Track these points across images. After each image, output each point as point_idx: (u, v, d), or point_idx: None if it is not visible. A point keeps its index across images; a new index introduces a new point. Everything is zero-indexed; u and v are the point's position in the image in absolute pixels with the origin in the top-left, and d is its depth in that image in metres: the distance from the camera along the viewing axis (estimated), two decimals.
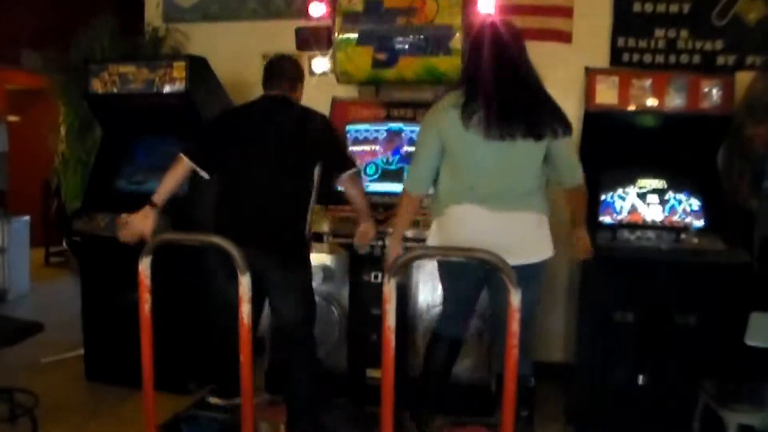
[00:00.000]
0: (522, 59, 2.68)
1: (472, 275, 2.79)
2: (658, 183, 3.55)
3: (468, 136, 2.61)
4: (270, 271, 2.88)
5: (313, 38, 3.96)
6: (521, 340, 2.23)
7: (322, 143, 3.02)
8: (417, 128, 3.64)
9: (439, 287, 3.10)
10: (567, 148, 2.74)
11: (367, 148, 3.76)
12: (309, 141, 2.97)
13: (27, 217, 6.47)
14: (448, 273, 2.91)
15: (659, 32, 4.05)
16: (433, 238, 2.80)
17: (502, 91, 2.60)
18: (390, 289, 2.09)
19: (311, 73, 4.05)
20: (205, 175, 3.03)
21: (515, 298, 2.04)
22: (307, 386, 3.10)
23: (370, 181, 3.68)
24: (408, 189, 2.88)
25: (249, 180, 2.95)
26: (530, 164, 2.68)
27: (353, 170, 3.06)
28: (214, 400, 3.38)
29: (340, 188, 3.16)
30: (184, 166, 2.98)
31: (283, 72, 3.10)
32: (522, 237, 2.69)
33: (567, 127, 2.69)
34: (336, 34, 3.83)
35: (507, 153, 2.61)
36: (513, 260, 2.42)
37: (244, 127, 3.01)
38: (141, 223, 2.93)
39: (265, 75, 3.11)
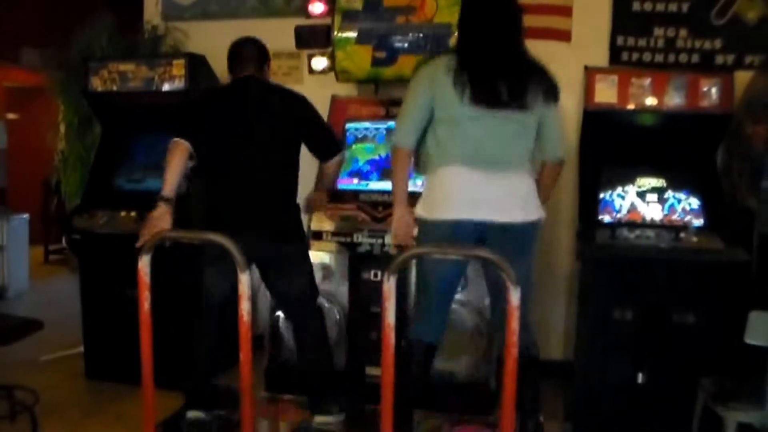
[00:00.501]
0: (516, 28, 2.69)
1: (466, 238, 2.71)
2: (657, 182, 3.55)
3: (458, 104, 2.61)
4: (268, 248, 2.90)
5: (312, 36, 3.96)
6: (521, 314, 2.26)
7: (310, 125, 3.10)
8: None
9: None
10: (552, 118, 2.74)
11: (366, 146, 3.76)
12: (294, 120, 3.03)
13: (26, 215, 6.47)
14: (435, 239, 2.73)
15: (658, 31, 4.05)
16: (423, 201, 2.77)
17: (492, 62, 2.62)
18: (390, 287, 2.09)
19: (311, 71, 4.06)
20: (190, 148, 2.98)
21: (514, 296, 2.04)
22: (325, 359, 3.18)
23: (370, 179, 3.68)
24: (398, 143, 2.79)
25: (238, 162, 2.97)
26: (522, 135, 2.69)
27: (342, 154, 3.20)
28: (193, 414, 3.21)
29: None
30: (181, 150, 2.94)
31: (248, 55, 3.12)
32: (513, 195, 2.67)
33: (554, 95, 2.69)
34: (335, 33, 3.83)
35: (498, 123, 2.62)
36: (505, 217, 2.47)
37: (229, 109, 3.03)
38: (159, 221, 2.89)
39: (233, 59, 3.13)
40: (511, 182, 2.66)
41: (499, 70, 2.63)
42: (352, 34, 3.80)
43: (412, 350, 2.85)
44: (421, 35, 3.67)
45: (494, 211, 2.60)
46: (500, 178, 2.64)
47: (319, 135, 3.14)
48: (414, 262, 2.90)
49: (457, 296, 3.16)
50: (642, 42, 4.07)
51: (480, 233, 2.66)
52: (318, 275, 3.52)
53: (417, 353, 2.85)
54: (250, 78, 3.10)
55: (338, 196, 3.55)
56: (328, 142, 3.19)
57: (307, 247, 3.18)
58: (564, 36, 4.15)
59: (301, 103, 3.12)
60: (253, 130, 2.98)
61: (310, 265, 3.21)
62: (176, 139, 2.96)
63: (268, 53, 3.23)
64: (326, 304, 3.56)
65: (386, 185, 3.57)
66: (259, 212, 2.91)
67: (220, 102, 3.10)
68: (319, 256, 3.56)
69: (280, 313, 3.57)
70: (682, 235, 3.28)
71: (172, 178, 2.93)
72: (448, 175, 2.67)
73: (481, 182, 2.63)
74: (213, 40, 4.57)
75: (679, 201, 3.49)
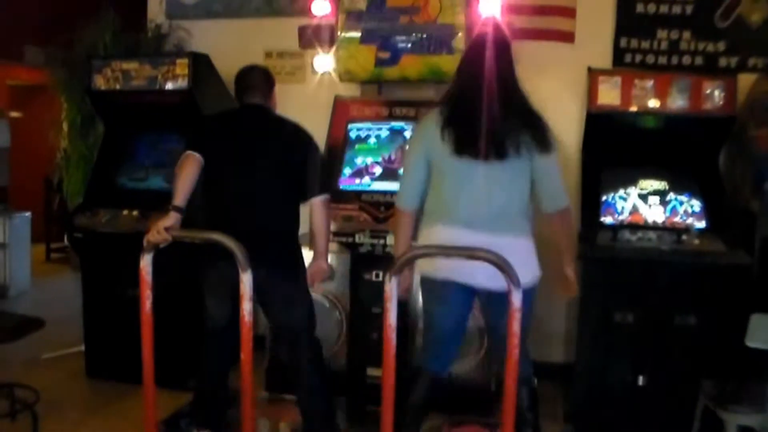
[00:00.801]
0: (508, 79, 2.61)
1: (460, 295, 2.66)
2: (659, 184, 3.55)
3: (447, 156, 2.56)
4: (268, 281, 2.85)
5: (315, 36, 3.96)
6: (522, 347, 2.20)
7: (308, 165, 3.00)
8: None
9: None
10: (545, 169, 2.59)
11: (369, 146, 3.76)
12: (296, 159, 2.96)
13: (28, 213, 6.47)
14: (434, 296, 2.71)
15: (662, 33, 4.05)
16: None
17: (475, 116, 2.53)
18: (391, 288, 2.09)
19: (314, 71, 4.06)
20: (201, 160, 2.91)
21: (516, 297, 2.04)
22: (323, 392, 3.10)
23: (372, 179, 3.68)
24: (398, 204, 2.76)
25: (240, 191, 2.92)
26: (514, 187, 2.59)
27: (324, 196, 3.00)
28: None
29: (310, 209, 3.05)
30: (193, 161, 2.87)
31: (257, 83, 3.07)
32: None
33: (547, 145, 2.57)
34: (339, 33, 3.84)
35: (488, 174, 2.54)
36: (491, 283, 2.37)
37: (232, 138, 2.97)
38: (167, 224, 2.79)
39: (239, 86, 3.08)
40: (504, 245, 2.34)
41: (482, 123, 2.53)
42: (356, 34, 3.80)
43: (419, 379, 2.78)
44: (424, 35, 3.68)
45: (480, 275, 2.46)
46: (492, 241, 2.35)
47: (309, 176, 3.01)
48: (419, 292, 2.85)
49: None
50: (645, 44, 4.07)
51: (471, 291, 2.62)
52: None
53: (423, 383, 2.77)
54: (258, 108, 3.05)
55: (340, 196, 3.55)
56: (316, 182, 3.03)
57: (305, 280, 3.12)
58: (567, 37, 4.15)
59: (306, 143, 3.03)
60: (254, 162, 2.92)
61: (309, 297, 3.14)
62: (188, 151, 2.90)
63: (274, 79, 3.15)
64: (326, 304, 3.57)
65: (388, 185, 3.59)
66: (257, 244, 2.83)
67: (225, 129, 3.04)
68: None
69: None
70: (683, 237, 3.28)
71: (183, 188, 2.85)
72: (437, 233, 2.60)
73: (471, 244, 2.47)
74: (217, 40, 4.60)
75: (681, 203, 3.50)
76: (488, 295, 2.56)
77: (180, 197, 2.83)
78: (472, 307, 2.78)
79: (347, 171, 3.73)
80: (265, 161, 2.93)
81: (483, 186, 2.54)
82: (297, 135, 3.03)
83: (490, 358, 3.33)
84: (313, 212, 3.00)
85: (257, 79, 3.08)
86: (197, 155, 2.89)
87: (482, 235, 2.46)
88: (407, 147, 2.78)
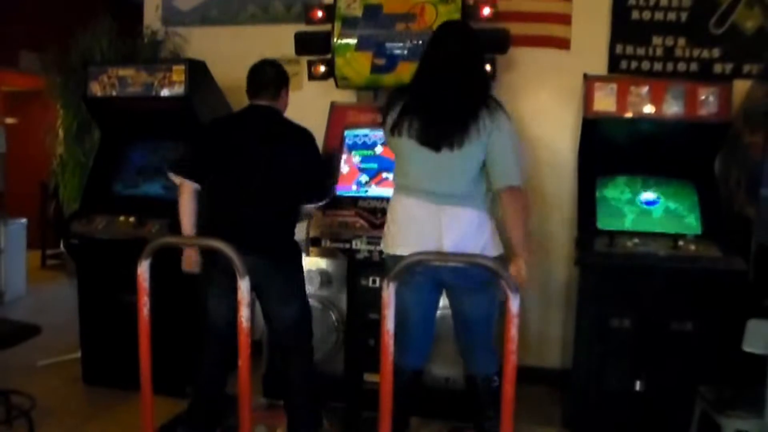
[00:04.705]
0: (465, 66, 2.66)
1: (431, 284, 2.74)
2: (655, 190, 3.56)
3: (401, 141, 2.66)
4: (269, 278, 2.89)
5: (312, 43, 3.97)
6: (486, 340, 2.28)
7: (312, 172, 3.09)
8: None
9: None
10: (499, 147, 2.61)
11: (365, 152, 3.77)
12: (300, 163, 3.02)
13: (24, 220, 6.46)
14: (409, 288, 2.65)
15: (657, 40, 4.07)
16: (387, 231, 2.80)
17: (430, 105, 2.64)
18: (389, 294, 2.10)
19: (310, 77, 4.07)
20: (196, 186, 3.00)
21: (513, 303, 2.05)
22: (310, 394, 3.12)
23: (368, 185, 3.68)
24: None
25: (244, 192, 2.95)
26: (465, 169, 2.64)
27: (325, 201, 3.26)
28: None
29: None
30: (189, 192, 2.99)
31: (267, 82, 3.07)
32: (464, 233, 2.62)
33: (498, 126, 2.60)
34: (335, 39, 3.84)
35: (440, 158, 2.61)
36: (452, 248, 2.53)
37: (240, 142, 2.99)
38: (188, 264, 3.04)
39: (250, 83, 3.08)
40: (463, 218, 2.63)
41: (438, 113, 2.62)
42: (352, 41, 3.81)
43: (400, 378, 2.70)
44: (420, 42, 3.67)
45: (442, 243, 2.60)
46: (451, 214, 2.63)
47: (314, 179, 3.13)
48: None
49: None
50: (641, 50, 4.09)
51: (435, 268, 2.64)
52: (316, 281, 3.53)
53: (398, 380, 2.66)
54: (264, 109, 3.05)
55: (336, 203, 3.55)
56: (319, 189, 3.20)
57: (302, 271, 3.17)
58: (563, 44, 4.17)
59: (310, 144, 3.09)
60: (258, 162, 2.94)
61: (306, 299, 3.20)
62: (182, 180, 2.99)
63: (287, 77, 3.16)
64: (323, 310, 3.57)
65: (385, 192, 3.60)
66: (260, 233, 2.90)
67: (230, 131, 3.05)
68: (317, 262, 3.56)
69: None
70: (679, 243, 3.29)
71: (188, 221, 2.99)
72: (403, 203, 2.72)
73: (434, 216, 2.63)
74: (213, 46, 4.61)
75: (677, 209, 3.50)
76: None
77: (187, 227, 2.99)
78: (438, 300, 2.86)
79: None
80: (268, 164, 2.94)
81: (441, 169, 2.63)
82: (303, 138, 3.06)
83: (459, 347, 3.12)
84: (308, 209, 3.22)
85: (267, 78, 3.08)
86: (189, 184, 2.98)
87: (447, 208, 2.62)
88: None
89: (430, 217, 2.63)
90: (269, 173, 2.94)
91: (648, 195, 3.55)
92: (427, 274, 2.66)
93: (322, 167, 3.30)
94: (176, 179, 3.01)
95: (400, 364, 2.73)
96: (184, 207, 2.99)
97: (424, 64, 2.73)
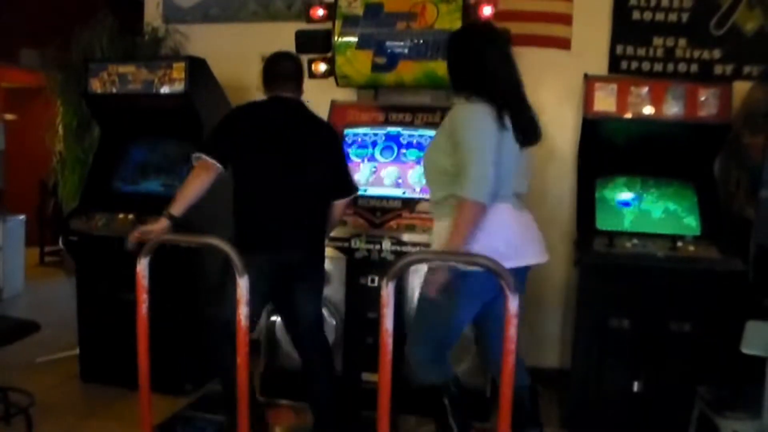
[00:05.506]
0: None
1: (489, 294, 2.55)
2: (654, 191, 3.56)
3: (507, 144, 2.50)
4: (306, 275, 2.89)
5: (313, 41, 3.96)
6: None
7: (341, 166, 3.08)
8: (416, 133, 3.68)
9: None
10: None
11: (365, 151, 3.77)
12: (329, 154, 3.01)
13: (23, 216, 6.46)
14: (469, 295, 2.53)
15: (658, 40, 4.07)
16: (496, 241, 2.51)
17: (520, 100, 2.62)
18: (388, 293, 2.09)
19: (311, 75, 4.06)
20: (221, 170, 2.80)
21: (512, 303, 2.04)
22: (333, 388, 3.13)
23: (368, 185, 3.68)
24: (479, 198, 2.40)
25: (277, 183, 2.86)
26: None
27: (354, 195, 3.16)
28: None
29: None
30: (209, 170, 2.76)
31: (292, 74, 3.01)
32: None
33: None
34: (336, 38, 3.84)
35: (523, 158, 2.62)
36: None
37: (268, 132, 2.89)
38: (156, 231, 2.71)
39: (272, 75, 2.99)
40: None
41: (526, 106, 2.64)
42: (353, 39, 3.81)
43: (450, 397, 2.73)
44: (421, 41, 3.68)
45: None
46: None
47: (342, 173, 3.09)
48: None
49: None
50: (641, 51, 4.09)
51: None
52: None
53: (456, 392, 2.74)
54: (292, 102, 2.99)
55: None
56: (348, 182, 3.11)
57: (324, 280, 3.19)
58: (564, 44, 4.17)
59: (337, 138, 3.12)
60: (291, 153, 2.86)
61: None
62: (205, 157, 2.77)
63: (303, 70, 3.12)
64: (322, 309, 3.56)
65: (384, 191, 3.60)
66: (297, 228, 2.85)
67: (259, 121, 2.93)
68: None
69: (276, 318, 3.57)
70: (679, 244, 3.29)
71: (187, 198, 2.75)
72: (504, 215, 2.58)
73: (528, 220, 2.69)
74: (214, 43, 4.60)
75: (677, 210, 3.50)
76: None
77: (179, 206, 2.74)
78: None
79: None
80: (305, 159, 2.91)
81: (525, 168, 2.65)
82: (331, 132, 3.08)
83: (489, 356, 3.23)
84: (336, 206, 3.09)
85: (292, 70, 3.02)
86: (214, 163, 2.76)
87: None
88: (478, 133, 2.44)
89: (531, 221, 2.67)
90: (306, 168, 2.91)
91: (647, 195, 3.55)
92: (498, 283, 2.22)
93: (347, 162, 3.26)
94: (208, 160, 2.75)
95: (450, 375, 2.76)
96: (196, 189, 2.74)
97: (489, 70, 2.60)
